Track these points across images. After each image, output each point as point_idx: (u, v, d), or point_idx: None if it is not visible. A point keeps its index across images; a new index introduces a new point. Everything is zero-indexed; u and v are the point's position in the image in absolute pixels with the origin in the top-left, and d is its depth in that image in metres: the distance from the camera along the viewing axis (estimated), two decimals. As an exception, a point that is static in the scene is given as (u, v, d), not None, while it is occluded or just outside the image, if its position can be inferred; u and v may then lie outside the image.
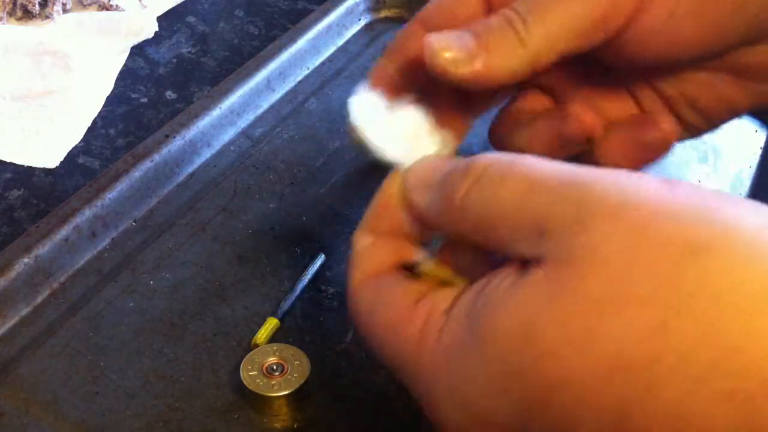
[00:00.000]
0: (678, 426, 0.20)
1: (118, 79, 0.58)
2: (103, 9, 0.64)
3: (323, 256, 0.44)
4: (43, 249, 0.43)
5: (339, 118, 0.55)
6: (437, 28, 0.34)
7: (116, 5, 0.64)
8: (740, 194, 0.49)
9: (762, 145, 0.53)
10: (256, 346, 0.39)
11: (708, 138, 0.54)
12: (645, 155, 0.37)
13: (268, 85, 0.56)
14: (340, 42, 0.62)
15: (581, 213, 0.23)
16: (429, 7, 0.37)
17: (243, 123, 0.54)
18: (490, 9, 0.36)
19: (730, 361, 0.20)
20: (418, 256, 0.31)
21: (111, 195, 0.46)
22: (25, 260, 0.42)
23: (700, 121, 0.38)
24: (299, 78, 0.59)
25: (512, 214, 0.25)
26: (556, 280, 0.23)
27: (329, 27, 0.62)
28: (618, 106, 0.39)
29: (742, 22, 0.33)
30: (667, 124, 0.37)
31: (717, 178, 0.51)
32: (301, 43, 0.59)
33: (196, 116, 0.51)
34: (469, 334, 0.25)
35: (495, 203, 0.26)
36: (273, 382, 0.37)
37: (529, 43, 0.32)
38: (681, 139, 0.39)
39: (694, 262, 0.21)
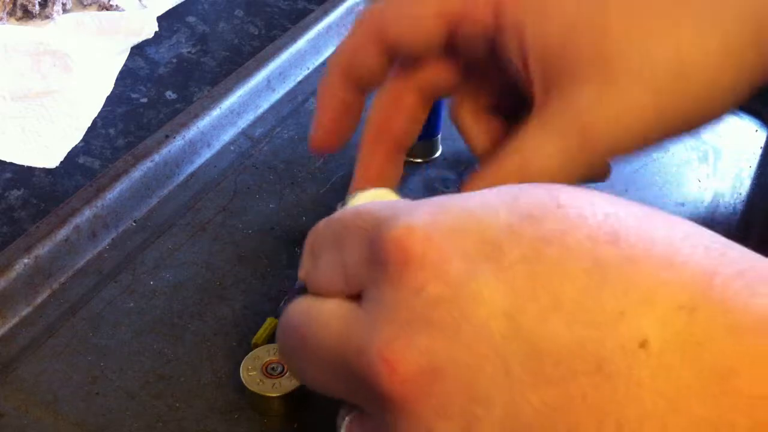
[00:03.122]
0: None
1: (118, 79, 0.58)
2: (103, 9, 0.64)
3: (323, 256, 0.44)
4: (43, 249, 0.43)
5: (339, 118, 0.55)
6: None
7: (116, 5, 0.64)
8: (740, 194, 0.49)
9: (762, 144, 0.53)
10: (256, 346, 0.39)
11: (708, 138, 0.54)
12: None
13: (268, 85, 0.56)
14: (340, 42, 0.62)
15: None
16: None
17: (243, 123, 0.54)
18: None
19: None
20: None
21: (111, 195, 0.46)
22: (25, 260, 0.42)
23: None
24: (299, 78, 0.59)
25: None
26: None
27: (329, 27, 0.62)
28: None
29: None
30: None
31: (717, 178, 0.51)
32: (301, 43, 0.59)
33: (196, 116, 0.51)
34: None
35: None
36: (273, 382, 0.37)
37: None
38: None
39: None
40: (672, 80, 0.32)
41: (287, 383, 0.37)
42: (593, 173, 0.34)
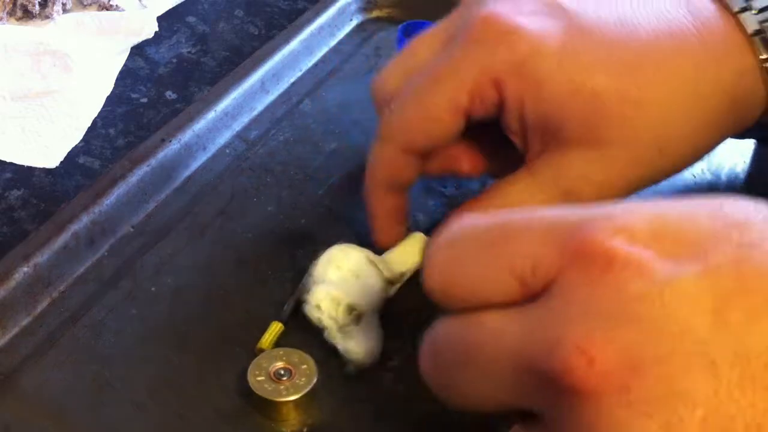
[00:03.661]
0: None
1: (118, 79, 0.58)
2: (103, 9, 0.63)
3: (325, 258, 0.44)
4: (42, 257, 0.42)
5: (334, 120, 0.55)
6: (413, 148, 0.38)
7: (116, 5, 0.63)
8: (735, 188, 0.50)
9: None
10: (262, 350, 0.39)
11: (702, 133, 0.54)
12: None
13: (262, 87, 0.56)
14: (333, 42, 0.62)
15: None
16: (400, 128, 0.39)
17: (238, 126, 0.54)
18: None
19: None
20: None
21: (108, 201, 0.46)
22: (24, 269, 0.41)
23: None
24: (293, 79, 0.58)
25: None
26: None
27: (321, 28, 0.61)
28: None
29: None
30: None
31: (712, 173, 0.51)
32: (294, 44, 0.59)
33: (191, 119, 0.51)
34: None
35: None
36: (281, 387, 0.36)
37: None
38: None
39: None
40: (655, 153, 0.35)
41: (296, 387, 0.36)
42: None
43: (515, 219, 0.26)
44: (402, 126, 0.38)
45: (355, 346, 0.39)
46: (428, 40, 0.39)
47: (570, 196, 0.35)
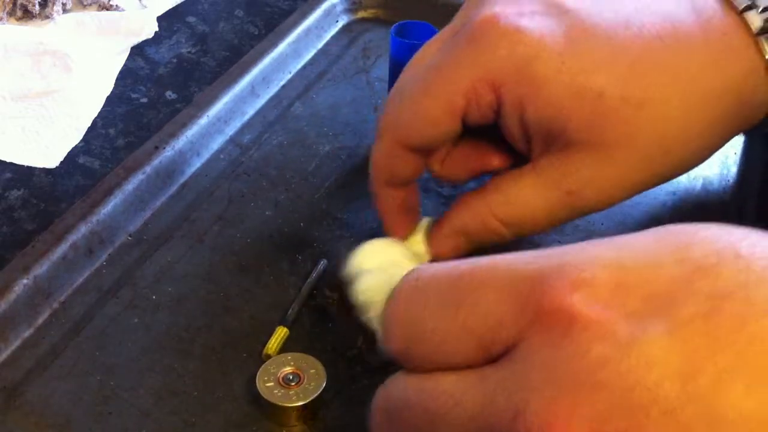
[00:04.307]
0: None
1: (118, 79, 0.58)
2: (103, 9, 0.63)
3: (325, 261, 0.44)
4: (41, 269, 0.42)
5: (326, 122, 0.55)
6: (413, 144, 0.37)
7: (116, 5, 0.63)
8: (728, 181, 0.50)
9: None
10: (268, 356, 0.39)
11: (692, 126, 0.54)
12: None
13: (253, 90, 0.56)
14: (320, 44, 0.62)
15: None
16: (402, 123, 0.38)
17: (230, 130, 0.54)
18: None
19: None
20: None
21: (105, 210, 0.45)
22: (24, 281, 0.41)
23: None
24: (283, 82, 0.58)
25: None
26: None
27: (308, 30, 0.61)
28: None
29: None
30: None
31: (705, 166, 0.51)
32: (282, 47, 0.59)
33: (183, 125, 0.51)
34: None
35: None
36: (291, 393, 0.36)
37: None
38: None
39: None
40: (660, 155, 0.34)
41: (305, 392, 0.36)
42: (570, 220, 0.37)
43: (475, 273, 0.24)
44: (397, 123, 0.37)
45: None
46: (435, 44, 0.38)
47: (573, 197, 0.35)
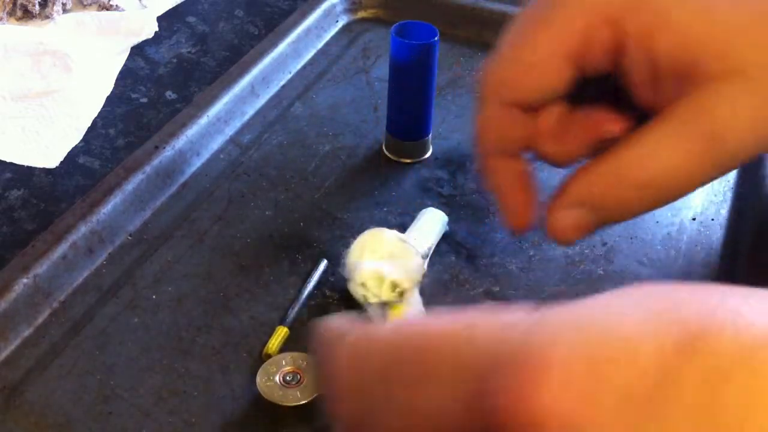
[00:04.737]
0: None
1: (118, 79, 0.58)
2: (103, 9, 0.63)
3: (325, 261, 0.44)
4: (41, 268, 0.42)
5: (326, 122, 0.55)
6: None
7: (116, 5, 0.63)
8: (728, 181, 0.50)
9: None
10: (268, 356, 0.39)
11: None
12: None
13: (252, 90, 0.56)
14: (320, 44, 0.62)
15: None
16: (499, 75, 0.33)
17: (230, 130, 0.54)
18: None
19: None
20: None
21: (105, 209, 0.45)
22: (24, 280, 0.41)
23: None
24: (282, 82, 0.58)
25: None
26: None
27: (308, 30, 0.61)
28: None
29: None
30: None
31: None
32: (282, 47, 0.59)
33: (183, 125, 0.51)
34: None
35: None
36: (291, 392, 0.36)
37: None
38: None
39: None
40: None
41: (306, 392, 0.36)
42: (713, 178, 0.31)
43: (417, 351, 0.21)
44: (503, 79, 0.33)
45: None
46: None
47: (716, 142, 0.30)
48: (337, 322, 0.24)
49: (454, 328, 0.21)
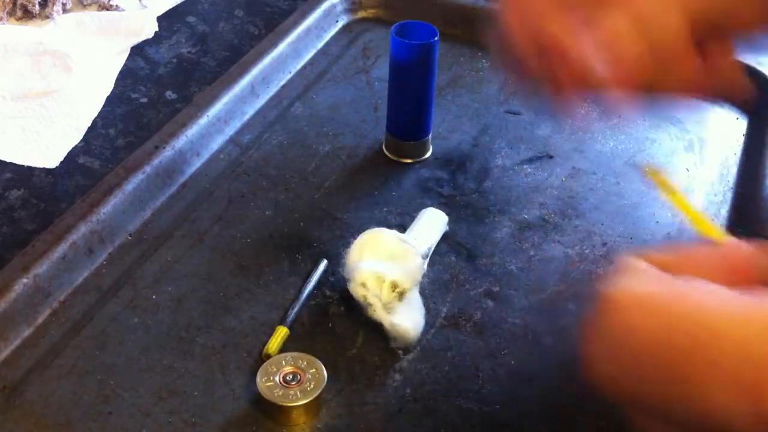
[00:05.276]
0: None
1: (118, 79, 0.58)
2: (103, 9, 0.63)
3: (325, 261, 0.44)
4: (41, 268, 0.42)
5: (326, 122, 0.55)
6: None
7: (116, 5, 0.63)
8: (728, 181, 0.50)
9: (744, 132, 0.54)
10: (268, 356, 0.39)
11: (692, 128, 0.55)
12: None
13: (252, 90, 0.56)
14: (320, 44, 0.62)
15: None
16: None
17: (230, 130, 0.54)
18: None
19: None
20: None
21: (105, 209, 0.45)
22: (24, 280, 0.41)
23: None
24: (282, 82, 0.58)
25: None
26: None
27: (308, 30, 0.61)
28: None
29: None
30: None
31: (705, 167, 0.52)
32: (282, 47, 0.59)
33: (183, 125, 0.51)
34: None
35: None
36: (291, 392, 0.36)
37: None
38: None
39: None
40: None
41: (305, 391, 0.36)
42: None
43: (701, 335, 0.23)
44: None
45: (402, 321, 0.39)
46: None
47: None
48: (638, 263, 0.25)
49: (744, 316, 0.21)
